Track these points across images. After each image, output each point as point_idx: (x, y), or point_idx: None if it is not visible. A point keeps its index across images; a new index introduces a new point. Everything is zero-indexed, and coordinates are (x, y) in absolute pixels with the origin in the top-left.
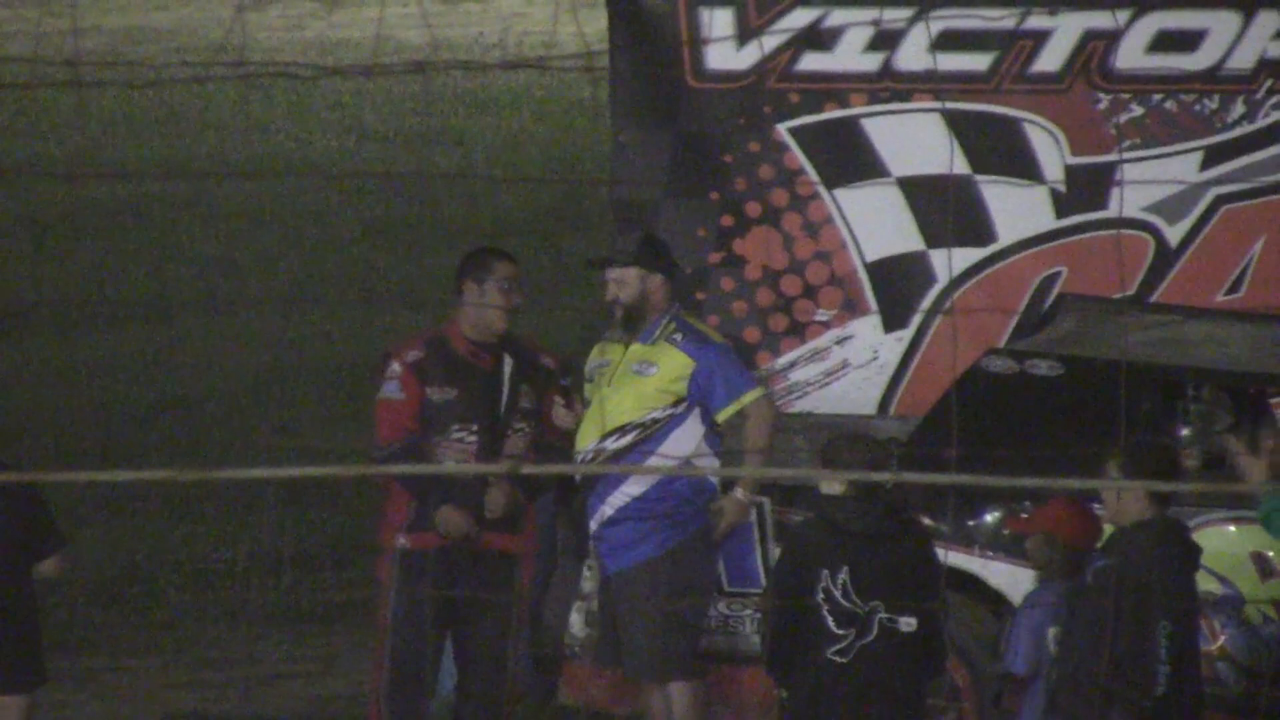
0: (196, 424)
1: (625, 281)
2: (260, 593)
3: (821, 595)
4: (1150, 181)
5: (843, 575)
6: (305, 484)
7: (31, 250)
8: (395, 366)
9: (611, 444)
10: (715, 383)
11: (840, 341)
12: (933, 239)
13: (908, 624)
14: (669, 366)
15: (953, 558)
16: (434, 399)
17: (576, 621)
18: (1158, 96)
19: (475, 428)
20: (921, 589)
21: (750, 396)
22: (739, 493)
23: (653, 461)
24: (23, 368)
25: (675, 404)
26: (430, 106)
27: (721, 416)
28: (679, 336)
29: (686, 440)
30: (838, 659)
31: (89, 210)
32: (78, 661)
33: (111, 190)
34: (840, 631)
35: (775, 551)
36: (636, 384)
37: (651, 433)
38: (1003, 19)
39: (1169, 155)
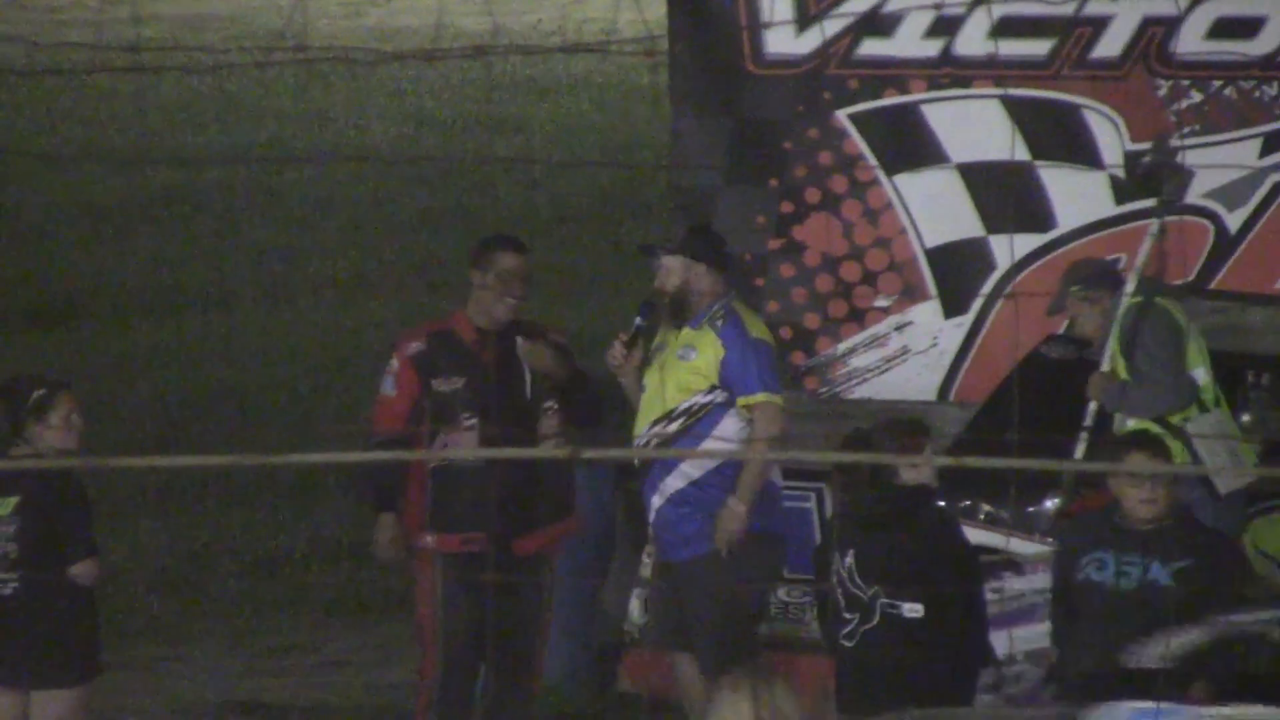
0: (256, 411)
1: (671, 269)
2: (320, 581)
3: (835, 579)
4: (1210, 166)
5: (849, 559)
6: (365, 471)
7: (90, 237)
8: (393, 361)
9: (661, 429)
10: (735, 375)
11: (900, 327)
12: (992, 225)
13: (912, 610)
14: (706, 351)
15: (1013, 544)
16: (440, 389)
17: (636, 608)
18: (1217, 83)
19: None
20: (937, 575)
21: (755, 399)
22: (732, 501)
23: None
24: (82, 355)
25: (710, 390)
26: (490, 93)
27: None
28: (720, 323)
29: (730, 430)
30: (845, 643)
31: (148, 197)
32: (137, 649)
33: (171, 177)
34: (847, 615)
35: None
36: (679, 368)
37: (698, 418)
38: (1062, 5)
39: (1228, 142)
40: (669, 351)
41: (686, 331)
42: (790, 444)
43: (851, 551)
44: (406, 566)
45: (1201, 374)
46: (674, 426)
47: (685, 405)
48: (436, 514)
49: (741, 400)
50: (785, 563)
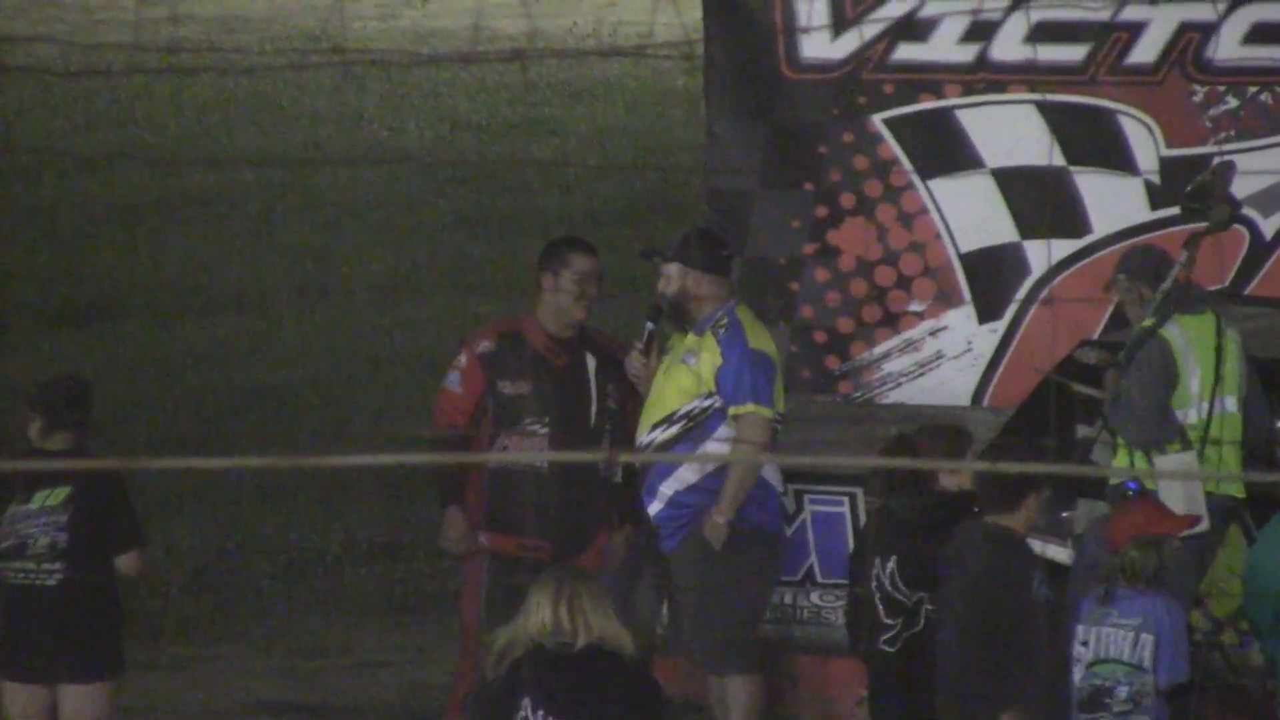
0: (290, 413)
1: (669, 276)
2: (353, 581)
3: (874, 583)
4: (1245, 172)
5: (891, 564)
6: (399, 472)
7: (126, 238)
8: (462, 358)
9: (661, 434)
10: (728, 384)
11: (934, 333)
12: (1027, 230)
13: None
14: (706, 358)
15: (1049, 550)
16: (505, 392)
17: (668, 613)
18: (1253, 89)
19: (547, 420)
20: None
21: (742, 410)
22: (716, 514)
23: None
24: (118, 355)
25: (709, 395)
26: (525, 96)
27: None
28: (722, 331)
29: (726, 436)
30: (886, 648)
31: (184, 198)
32: (170, 649)
33: (206, 178)
34: (889, 621)
35: None
36: (680, 373)
37: (698, 422)
38: (1098, 10)
39: (1264, 148)
40: (673, 355)
41: (691, 336)
42: (823, 448)
43: (894, 557)
44: (458, 564)
45: (1193, 413)
46: (673, 431)
47: (686, 409)
48: (493, 514)
49: (731, 410)
50: (782, 563)
